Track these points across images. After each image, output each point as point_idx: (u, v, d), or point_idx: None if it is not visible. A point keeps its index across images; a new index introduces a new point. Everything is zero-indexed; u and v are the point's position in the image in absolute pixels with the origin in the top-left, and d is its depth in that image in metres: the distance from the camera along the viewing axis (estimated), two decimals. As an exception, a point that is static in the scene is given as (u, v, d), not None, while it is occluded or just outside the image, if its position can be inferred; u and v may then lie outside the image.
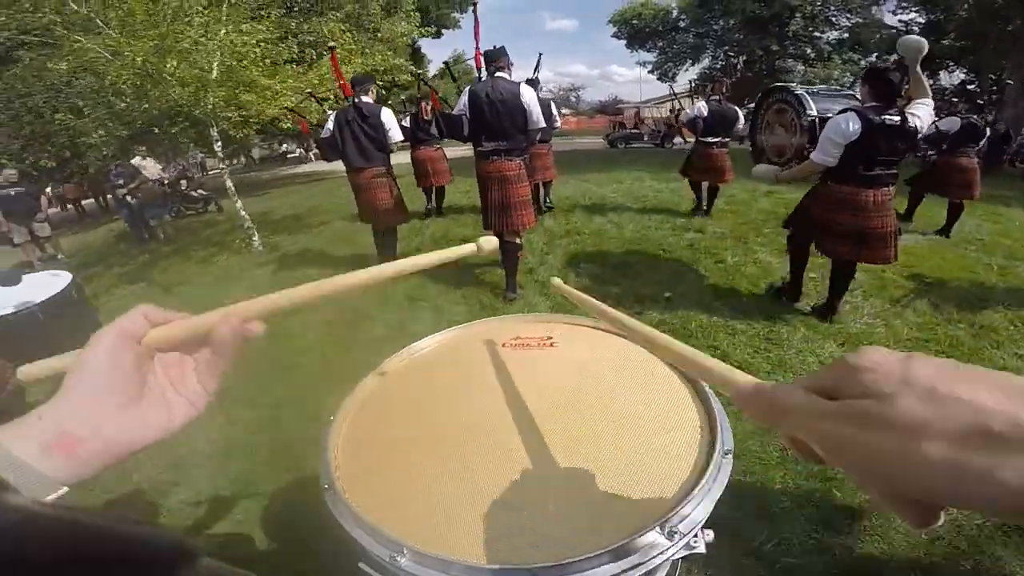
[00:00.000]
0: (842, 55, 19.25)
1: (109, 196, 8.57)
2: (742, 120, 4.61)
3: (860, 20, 18.78)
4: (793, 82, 17.67)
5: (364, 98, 3.46)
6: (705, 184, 5.02)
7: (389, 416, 0.79)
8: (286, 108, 5.01)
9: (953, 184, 4.20)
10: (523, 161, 3.02)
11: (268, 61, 4.50)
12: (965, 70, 15.35)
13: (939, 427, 0.19)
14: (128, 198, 6.31)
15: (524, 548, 0.54)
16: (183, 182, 8.09)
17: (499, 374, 0.86)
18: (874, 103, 2.30)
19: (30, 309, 1.70)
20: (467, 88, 2.95)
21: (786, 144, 2.92)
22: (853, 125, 2.26)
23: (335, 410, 0.79)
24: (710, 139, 4.64)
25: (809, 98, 2.65)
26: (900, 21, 18.21)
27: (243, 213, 4.90)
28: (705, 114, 4.54)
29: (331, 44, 4.00)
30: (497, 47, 3.03)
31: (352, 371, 0.88)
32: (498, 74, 2.94)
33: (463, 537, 0.56)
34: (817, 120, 2.68)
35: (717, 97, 4.63)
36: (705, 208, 5.09)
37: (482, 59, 2.98)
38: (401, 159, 8.98)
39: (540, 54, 4.76)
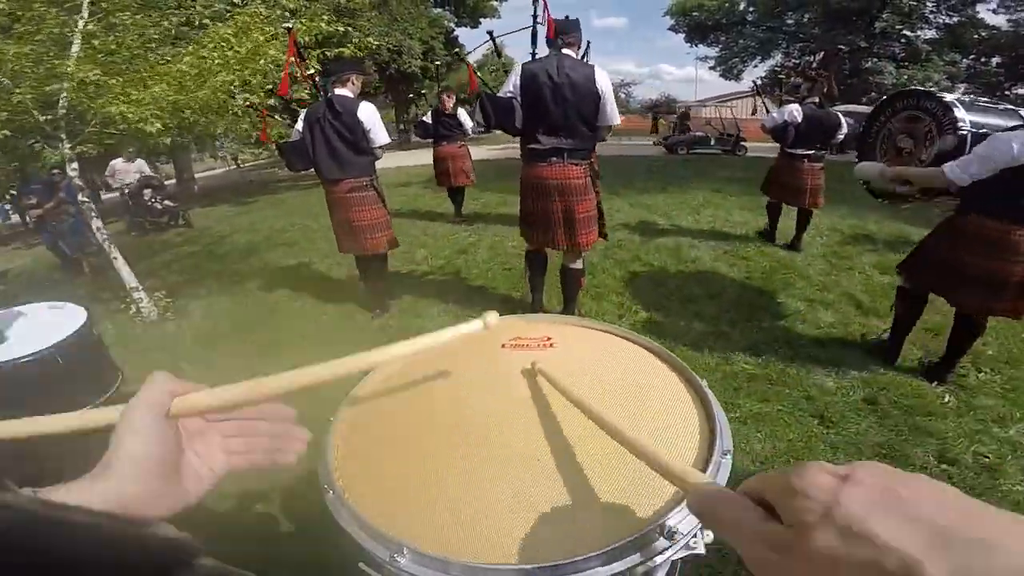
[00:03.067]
0: (942, 55, 17.91)
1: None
2: (845, 128, 3.97)
3: (960, 18, 17.49)
4: (884, 84, 16.58)
5: (339, 90, 2.85)
6: (791, 207, 4.32)
7: (389, 416, 0.83)
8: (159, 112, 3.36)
9: None
10: (588, 167, 2.56)
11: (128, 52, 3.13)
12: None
13: (844, 566, 0.21)
14: (49, 219, 5.05)
15: (524, 548, 0.57)
16: (146, 191, 6.84)
17: (499, 374, 0.90)
18: None
19: (47, 353, 1.62)
20: (519, 64, 2.45)
21: (913, 161, 2.43)
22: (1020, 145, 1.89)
23: (335, 410, 0.82)
24: (801, 151, 4.00)
25: (961, 107, 2.20)
26: (1008, 21, 16.86)
27: (124, 274, 3.38)
28: (799, 119, 3.89)
29: (286, 25, 2.98)
30: (569, 18, 2.53)
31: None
32: (565, 51, 2.43)
33: (463, 537, 0.59)
34: (970, 135, 2.18)
35: (815, 99, 3.97)
36: (792, 240, 4.38)
37: (535, 29, 2.46)
38: (424, 158, 8.56)
39: (588, 42, 4.23)
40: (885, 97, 2.57)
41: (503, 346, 0.99)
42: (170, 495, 0.36)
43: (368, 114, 2.86)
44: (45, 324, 1.78)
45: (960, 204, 2.21)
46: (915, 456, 1.90)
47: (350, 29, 4.24)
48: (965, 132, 2.20)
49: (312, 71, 2.88)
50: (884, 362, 2.52)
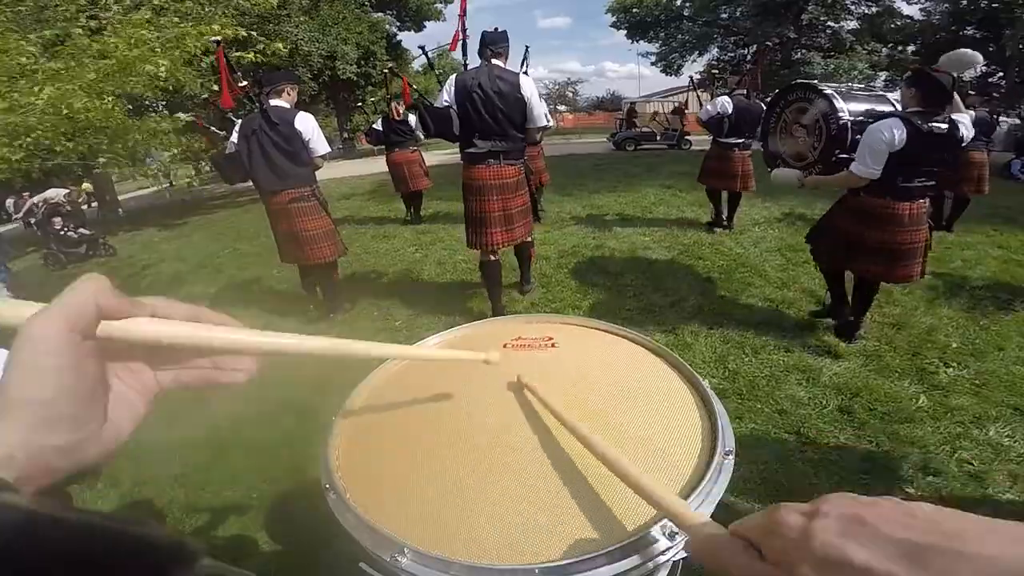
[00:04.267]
0: (865, 45, 19.61)
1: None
2: None
3: (878, 8, 19.23)
4: (813, 75, 17.92)
5: (275, 101, 2.93)
6: (724, 193, 4.92)
7: (390, 416, 0.85)
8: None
9: (964, 178, 4.42)
10: (521, 165, 2.88)
11: None
12: (987, 63, 15.72)
13: None
14: None
15: (525, 548, 0.58)
16: (56, 220, 6.37)
17: (500, 374, 0.90)
18: (920, 108, 2.28)
19: None
20: (453, 76, 2.71)
21: (807, 148, 2.85)
22: (898, 134, 2.23)
23: (336, 409, 0.85)
24: (733, 140, 4.52)
25: (840, 98, 2.57)
26: (920, 10, 18.71)
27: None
28: (730, 111, 4.39)
29: (215, 38, 3.03)
30: (498, 29, 2.81)
31: (352, 370, 0.94)
32: (494, 60, 2.72)
33: (464, 537, 0.60)
34: (849, 124, 2.58)
35: (743, 91, 4.49)
36: (726, 221, 4.97)
37: (471, 40, 2.76)
38: (368, 168, 8.57)
39: (527, 47, 4.64)
40: (778, 90, 2.99)
41: (504, 346, 1.02)
42: (76, 446, 0.28)
43: (306, 124, 2.93)
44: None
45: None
46: (900, 470, 1.86)
47: (253, 34, 4.05)
48: (846, 120, 2.62)
49: (244, 83, 2.92)
50: (842, 343, 2.69)
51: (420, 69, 22.49)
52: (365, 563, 0.59)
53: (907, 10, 18.65)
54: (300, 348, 0.40)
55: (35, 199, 6.58)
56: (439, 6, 20.83)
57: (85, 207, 7.64)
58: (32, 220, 6.59)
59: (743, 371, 2.52)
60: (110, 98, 3.00)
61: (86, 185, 8.43)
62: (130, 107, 3.26)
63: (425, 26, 21.01)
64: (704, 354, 2.70)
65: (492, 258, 3.01)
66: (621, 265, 4.10)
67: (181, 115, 3.52)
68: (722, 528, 0.34)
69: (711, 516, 0.58)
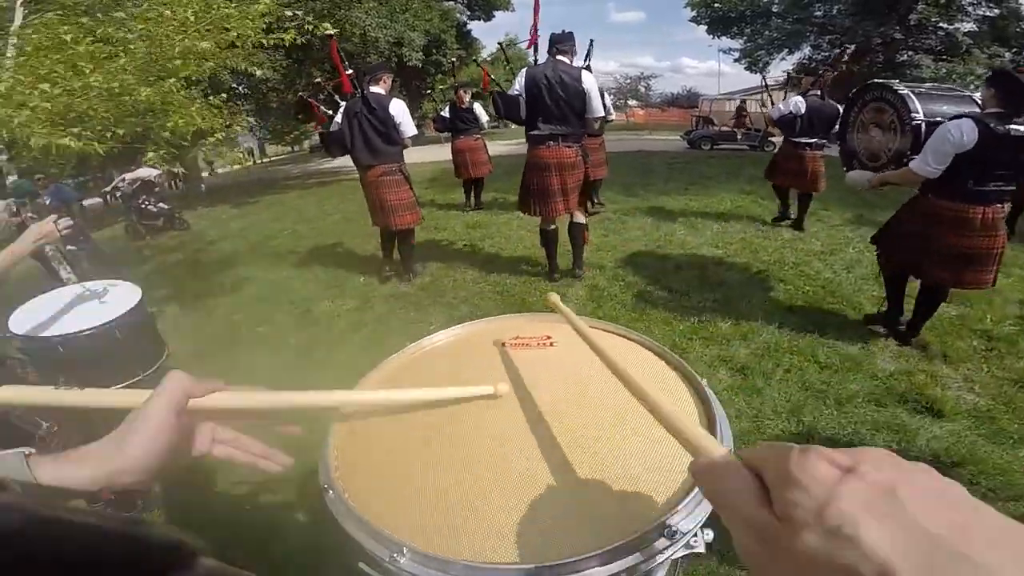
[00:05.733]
0: (985, 48, 18.00)
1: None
2: None
3: (1001, 11, 17.59)
4: (922, 78, 16.69)
5: (374, 88, 3.53)
6: (794, 191, 5.02)
7: (389, 416, 0.86)
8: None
9: None
10: (579, 148, 3.33)
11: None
12: None
13: (821, 568, 0.22)
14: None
15: (524, 548, 0.60)
16: (143, 197, 7.21)
17: (499, 373, 0.94)
18: (999, 109, 2.26)
19: (108, 327, 1.81)
20: (524, 69, 3.25)
21: (882, 149, 2.90)
22: (968, 135, 2.24)
23: (335, 410, 0.87)
24: (804, 139, 4.65)
25: (915, 98, 2.61)
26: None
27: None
28: (802, 110, 4.53)
29: (329, 32, 3.67)
30: (565, 31, 3.34)
31: (353, 370, 0.99)
32: (560, 57, 3.22)
33: (463, 537, 0.62)
34: (924, 124, 2.60)
35: (817, 92, 4.61)
36: (793, 219, 5.05)
37: (541, 40, 3.33)
38: (431, 155, 8.96)
39: (591, 40, 4.86)
40: (856, 89, 3.03)
41: (503, 345, 1.04)
42: (157, 474, 0.43)
43: (399, 109, 3.53)
44: (104, 300, 1.96)
45: (920, 187, 2.58)
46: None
47: (299, 13, 4.11)
48: (920, 120, 2.63)
49: (350, 71, 3.58)
50: (948, 400, 2.32)
51: (489, 58, 23.04)
52: (364, 563, 0.61)
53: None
54: (329, 400, 0.56)
55: (126, 176, 7.41)
56: (510, -3, 21.21)
57: (167, 185, 8.57)
58: (118, 194, 7.46)
59: (821, 426, 2.22)
60: (171, 80, 3.10)
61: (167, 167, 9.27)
62: (189, 90, 3.34)
63: (495, 15, 21.44)
64: (776, 402, 2.36)
65: (552, 227, 3.60)
66: (686, 282, 3.74)
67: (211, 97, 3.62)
68: (734, 458, 0.31)
69: (708, 518, 0.62)
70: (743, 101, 15.90)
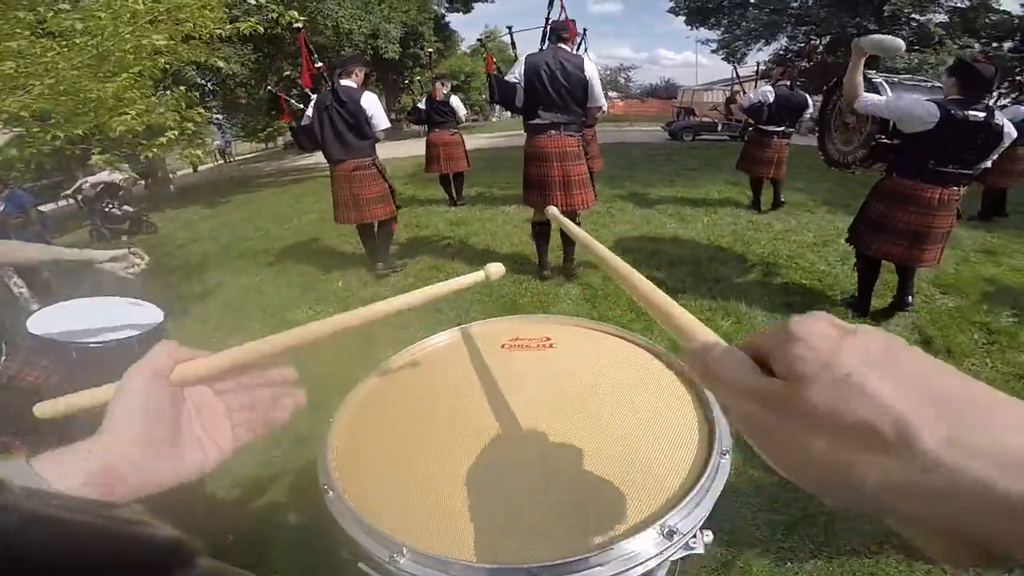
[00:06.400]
0: (956, 40, 18.48)
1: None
2: (811, 108, 4.78)
3: (971, 2, 18.11)
4: (896, 68, 17.08)
5: (345, 81, 3.45)
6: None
7: (388, 416, 0.88)
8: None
9: (1001, 171, 4.37)
10: (580, 138, 3.27)
11: None
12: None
13: (833, 421, 0.22)
14: None
15: (523, 548, 0.60)
16: (107, 200, 6.90)
17: (498, 375, 0.95)
18: (958, 96, 2.40)
19: (129, 341, 1.80)
20: (524, 55, 3.17)
21: (855, 134, 3.00)
22: (931, 113, 2.35)
23: (334, 410, 0.88)
24: (772, 127, 4.79)
25: (887, 86, 2.73)
26: (1021, 6, 17.48)
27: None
28: (771, 99, 4.67)
29: (296, 24, 3.50)
30: (565, 19, 3.35)
31: (353, 369, 0.99)
32: (561, 45, 3.15)
33: (462, 537, 0.63)
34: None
35: (786, 82, 4.77)
36: (772, 202, 5.24)
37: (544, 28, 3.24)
38: (413, 149, 8.81)
39: (584, 29, 4.87)
40: (834, 80, 3.09)
41: (502, 346, 1.05)
42: (165, 465, 0.38)
43: (370, 102, 3.44)
44: (126, 316, 2.00)
45: (887, 168, 2.73)
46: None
47: (262, 1, 3.92)
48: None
49: (319, 65, 3.47)
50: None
51: (468, 51, 22.78)
52: (364, 563, 0.62)
53: (1005, 4, 17.38)
54: (332, 328, 0.49)
55: (88, 179, 7.06)
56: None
57: (131, 187, 8.14)
58: (79, 197, 7.10)
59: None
60: (123, 75, 2.85)
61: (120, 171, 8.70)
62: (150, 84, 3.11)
63: (474, 7, 21.21)
64: None
65: (545, 220, 3.45)
66: (681, 279, 3.68)
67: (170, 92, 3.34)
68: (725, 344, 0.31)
69: (708, 515, 0.63)
70: (733, 91, 16.10)
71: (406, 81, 17.23)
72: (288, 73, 4.42)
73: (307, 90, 3.70)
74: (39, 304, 1.98)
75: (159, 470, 0.38)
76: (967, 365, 2.53)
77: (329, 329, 0.49)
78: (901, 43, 2.36)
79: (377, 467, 0.76)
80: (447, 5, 20.87)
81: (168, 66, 3.17)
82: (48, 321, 1.80)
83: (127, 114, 2.87)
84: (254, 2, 3.58)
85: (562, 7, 3.43)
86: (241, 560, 1.61)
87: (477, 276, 0.61)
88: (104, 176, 6.96)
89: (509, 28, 3.99)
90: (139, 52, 2.86)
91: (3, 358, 1.56)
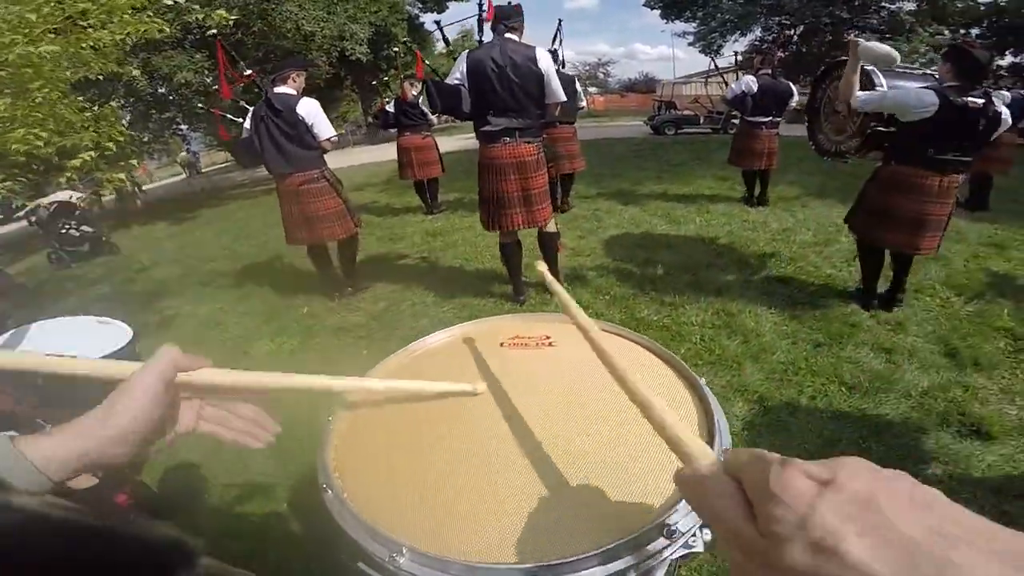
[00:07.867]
0: (926, 27, 18.78)
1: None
2: (796, 96, 4.71)
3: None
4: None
5: (280, 88, 3.14)
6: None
7: (387, 415, 0.87)
8: None
9: (990, 158, 4.41)
10: (540, 144, 2.90)
11: None
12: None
13: None
14: None
15: (522, 548, 0.60)
16: (62, 221, 6.45)
17: (498, 373, 0.95)
18: (955, 82, 2.39)
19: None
20: (464, 53, 2.76)
21: (847, 124, 2.91)
22: (929, 100, 2.34)
23: (333, 409, 0.87)
24: (759, 118, 4.70)
25: (880, 73, 2.61)
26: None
27: None
28: (754, 89, 4.56)
29: (212, 31, 3.23)
30: (511, 3, 2.83)
31: (352, 369, 0.94)
32: (508, 35, 2.73)
33: (462, 536, 0.63)
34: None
35: (767, 71, 4.66)
36: (757, 197, 5.20)
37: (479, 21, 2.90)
38: (390, 154, 8.60)
39: (560, 20, 4.67)
40: (823, 68, 3.05)
41: (501, 345, 1.05)
42: (143, 446, 0.45)
43: (308, 109, 3.10)
44: (93, 336, 1.94)
45: (884, 156, 2.69)
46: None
47: (180, 1, 3.49)
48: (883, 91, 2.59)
49: (248, 72, 3.15)
50: (993, 421, 2.05)
51: (444, 52, 22.40)
52: (364, 563, 0.61)
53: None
54: (326, 385, 0.63)
55: (43, 200, 6.68)
56: (461, -14, 20.77)
57: (90, 206, 7.69)
58: (33, 219, 6.68)
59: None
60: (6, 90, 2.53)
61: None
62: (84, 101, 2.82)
63: (448, 7, 20.99)
64: (806, 437, 2.04)
65: (512, 240, 3.10)
66: (679, 291, 3.36)
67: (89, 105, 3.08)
68: (718, 464, 0.32)
69: None
70: (726, 82, 16.12)
71: (375, 83, 16.89)
72: (216, 87, 4.01)
73: (240, 102, 3.40)
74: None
75: (119, 456, 0.43)
76: (996, 378, 2.33)
77: (318, 385, 0.61)
78: (896, 55, 2.36)
79: (376, 466, 0.76)
80: (420, 5, 20.57)
81: (89, 77, 2.88)
82: (13, 344, 1.75)
83: (16, 132, 2.53)
84: (170, 2, 3.07)
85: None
86: (241, 560, 1.49)
87: (466, 387, 0.85)
88: (59, 196, 6.62)
89: (437, 23, 3.64)
90: (27, 64, 2.46)
91: None
